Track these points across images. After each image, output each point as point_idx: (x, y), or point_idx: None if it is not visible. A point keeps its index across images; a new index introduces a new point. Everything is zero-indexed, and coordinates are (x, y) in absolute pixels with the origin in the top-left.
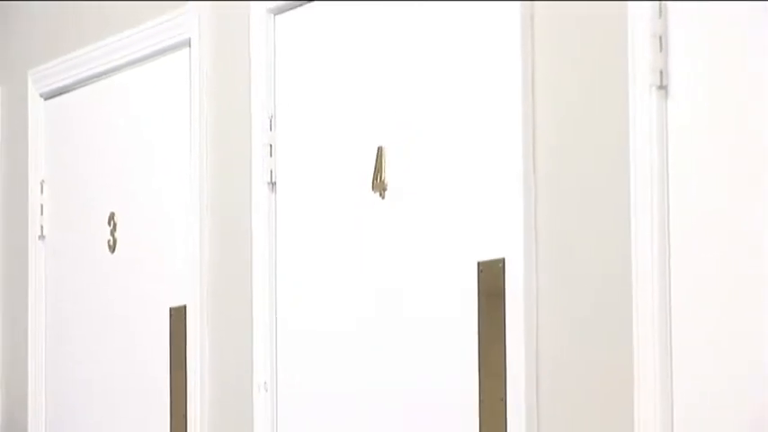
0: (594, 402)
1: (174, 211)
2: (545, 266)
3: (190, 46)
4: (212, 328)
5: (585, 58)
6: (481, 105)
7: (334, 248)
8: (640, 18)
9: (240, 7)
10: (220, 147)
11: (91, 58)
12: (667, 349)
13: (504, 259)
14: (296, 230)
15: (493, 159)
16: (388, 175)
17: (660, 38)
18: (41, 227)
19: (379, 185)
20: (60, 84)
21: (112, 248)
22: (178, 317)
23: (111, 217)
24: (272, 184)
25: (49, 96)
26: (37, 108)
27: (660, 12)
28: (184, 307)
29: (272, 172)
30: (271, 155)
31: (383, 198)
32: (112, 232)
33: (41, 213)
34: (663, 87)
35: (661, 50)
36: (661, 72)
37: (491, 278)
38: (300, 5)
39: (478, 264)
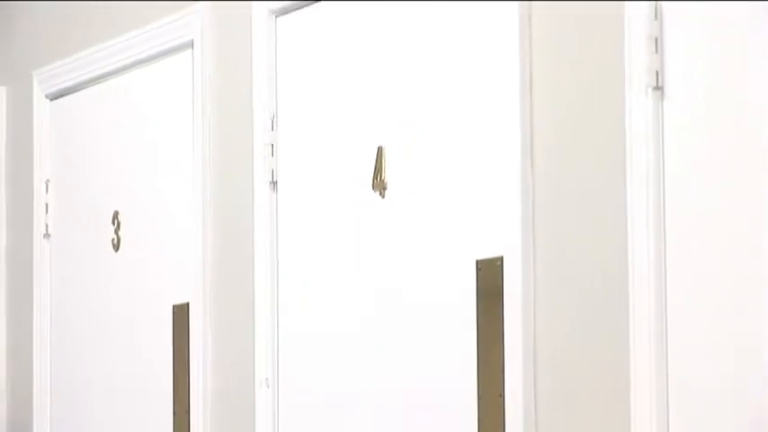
0: (591, 399)
1: (177, 209)
2: (543, 265)
3: (193, 47)
4: (215, 325)
5: (582, 59)
6: (480, 105)
7: (334, 247)
8: (636, 19)
9: (242, 8)
10: (223, 146)
11: (95, 59)
12: (663, 347)
13: (502, 258)
14: (297, 229)
15: (491, 159)
16: (388, 175)
17: (656, 39)
18: (46, 226)
19: (379, 185)
20: (65, 84)
21: (116, 247)
22: (181, 314)
23: (116, 216)
24: (274, 184)
25: (53, 97)
26: (42, 108)
27: (656, 14)
28: (187, 304)
29: (273, 171)
30: (272, 154)
31: (383, 197)
32: (116, 231)
33: (46, 212)
34: (659, 88)
35: (657, 52)
36: (657, 73)
37: (489, 276)
38: (301, 7)
39: (477, 262)
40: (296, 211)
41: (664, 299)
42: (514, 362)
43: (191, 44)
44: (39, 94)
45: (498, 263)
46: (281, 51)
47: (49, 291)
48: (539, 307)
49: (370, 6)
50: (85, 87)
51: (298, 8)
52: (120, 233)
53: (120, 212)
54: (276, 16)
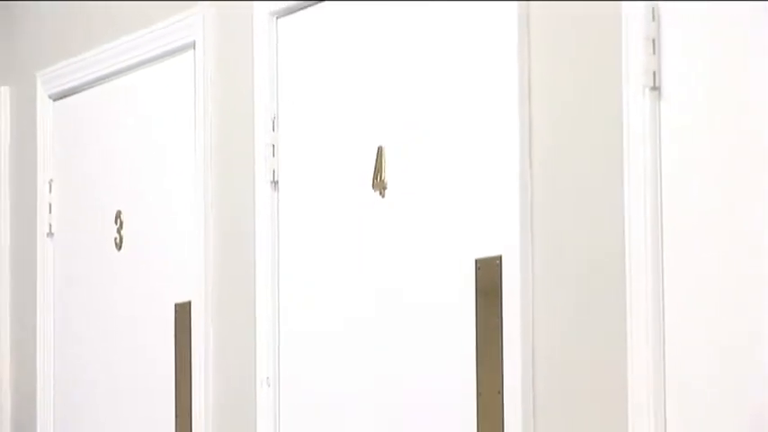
0: (589, 396)
1: (179, 209)
2: (541, 263)
3: (195, 48)
4: (216, 323)
5: (580, 59)
6: (478, 106)
7: (335, 246)
8: (633, 19)
9: (244, 10)
10: (224, 147)
11: (98, 60)
12: (660, 345)
13: (501, 256)
14: (298, 228)
15: (490, 159)
16: (388, 175)
17: (653, 40)
18: (50, 225)
19: (379, 184)
20: (68, 85)
21: (119, 246)
22: (183, 313)
23: (118, 215)
24: (275, 183)
25: (57, 97)
26: (45, 109)
27: (653, 15)
28: (189, 303)
29: (274, 171)
30: (273, 155)
31: (383, 197)
32: (119, 230)
33: (50, 212)
34: (656, 89)
35: (654, 53)
36: (654, 73)
37: (488, 275)
38: (302, 9)
39: (476, 261)
40: (297, 211)
41: (661, 297)
42: (513, 359)
43: (193, 45)
44: (42, 95)
45: (497, 262)
46: (282, 52)
47: (52, 289)
48: (537, 305)
49: (369, 8)
50: (88, 88)
51: (298, 10)
52: (122, 232)
53: (122, 212)
54: (277, 18)
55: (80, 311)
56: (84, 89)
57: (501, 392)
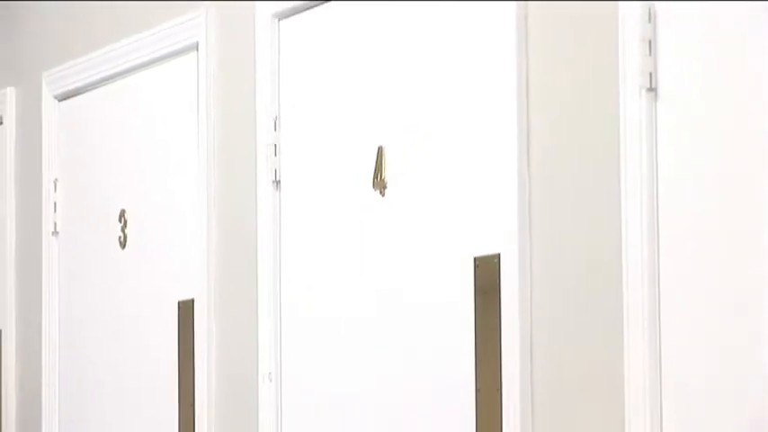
0: (586, 392)
1: (183, 208)
2: (539, 262)
3: (198, 49)
4: (219, 320)
5: (578, 60)
6: (477, 106)
7: (336, 244)
8: (630, 19)
9: (246, 10)
10: (227, 147)
11: (103, 60)
12: (656, 342)
13: (499, 255)
14: (299, 227)
15: (488, 158)
16: (388, 174)
17: (649, 42)
18: (55, 224)
19: (379, 184)
20: (73, 86)
21: (123, 244)
22: (186, 310)
23: (122, 214)
24: (277, 183)
25: (62, 98)
26: (50, 109)
27: (650, 16)
28: (192, 300)
29: (276, 171)
30: (275, 154)
31: (383, 196)
32: (123, 229)
33: (55, 211)
34: (652, 89)
35: (650, 54)
36: (650, 74)
37: (487, 273)
38: (303, 11)
39: (475, 259)
40: (298, 210)
41: (657, 296)
42: (511, 356)
43: (195, 46)
44: (47, 96)
45: (495, 260)
46: (284, 54)
47: (57, 287)
48: (535, 303)
49: (370, 10)
50: (93, 89)
51: (299, 11)
52: (126, 231)
53: (126, 211)
54: (279, 19)
55: (84, 309)
56: (88, 90)
57: (499, 389)
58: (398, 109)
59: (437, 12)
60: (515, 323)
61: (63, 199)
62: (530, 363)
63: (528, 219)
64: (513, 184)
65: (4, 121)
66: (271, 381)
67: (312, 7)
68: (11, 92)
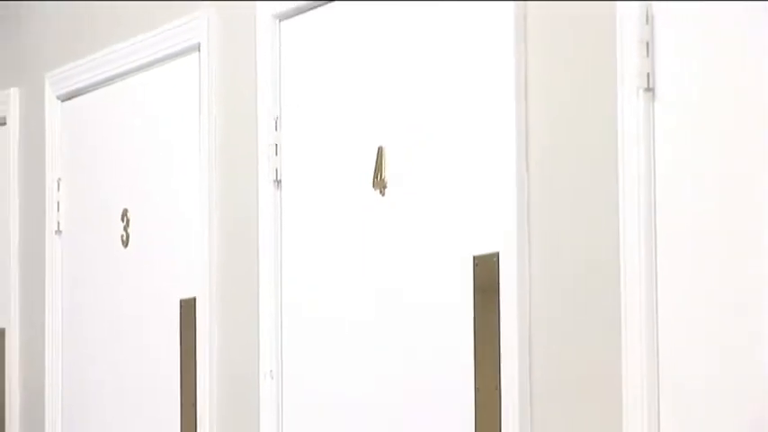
0: (584, 391)
1: (185, 207)
2: (537, 260)
3: (199, 50)
4: (220, 318)
5: (576, 60)
6: (476, 107)
7: (336, 243)
8: (628, 20)
9: (247, 11)
10: (228, 146)
11: (105, 61)
12: (654, 340)
13: (498, 253)
14: (300, 226)
15: (487, 158)
16: (388, 174)
17: (647, 43)
18: (58, 222)
19: (379, 183)
20: (76, 86)
21: (125, 243)
22: (188, 308)
23: (125, 213)
24: (278, 182)
25: (65, 98)
26: (54, 110)
27: (647, 18)
28: (194, 299)
29: (277, 170)
30: (276, 154)
31: (383, 195)
32: (125, 228)
33: (58, 210)
34: (649, 90)
35: (648, 55)
36: (648, 75)
37: (486, 271)
38: (304, 12)
39: (474, 258)
40: (299, 209)
41: (654, 295)
42: (510, 354)
43: (197, 47)
44: (50, 96)
45: (494, 258)
46: (285, 54)
47: (60, 285)
48: (533, 301)
49: (369, 11)
50: (96, 89)
51: (300, 12)
52: (129, 230)
53: (129, 210)
54: (280, 20)
55: (88, 307)
56: (91, 90)
57: (498, 387)
58: (398, 109)
59: (436, 12)
60: (514, 321)
61: (66, 198)
62: (528, 361)
63: (527, 218)
64: (511, 183)
65: (7, 121)
66: (272, 378)
67: (312, 8)
68: (14, 92)
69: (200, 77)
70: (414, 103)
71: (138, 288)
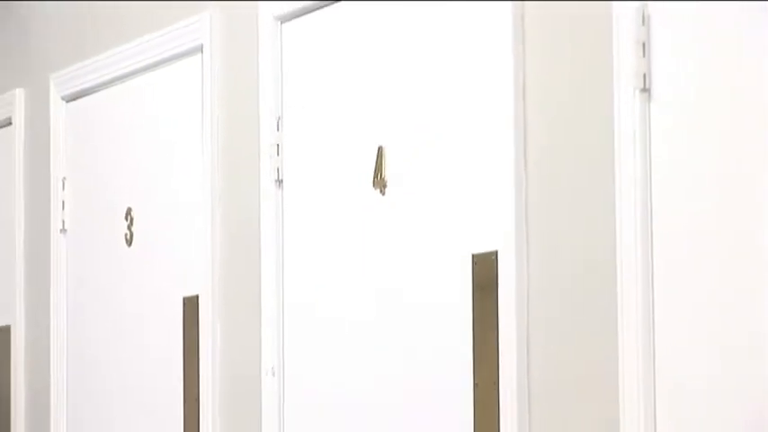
0: (582, 387)
1: (187, 206)
2: (535, 258)
3: (202, 52)
4: (223, 316)
5: (573, 60)
6: (475, 107)
7: (337, 242)
8: (625, 20)
9: (250, 13)
10: (230, 146)
11: (110, 62)
12: (650, 337)
13: (496, 252)
14: (302, 225)
15: (486, 158)
16: (388, 173)
17: (643, 44)
18: (63, 221)
19: (379, 183)
20: (81, 87)
21: (129, 242)
22: (191, 306)
23: (128, 212)
24: (279, 182)
25: (70, 99)
26: (58, 110)
27: (643, 19)
28: (197, 297)
29: (278, 170)
30: (278, 154)
31: (383, 194)
32: (129, 227)
33: (63, 209)
34: (646, 90)
35: (644, 56)
36: (644, 76)
37: (485, 269)
38: (305, 13)
39: (473, 256)
40: (300, 208)
41: (650, 293)
42: (508, 351)
43: (200, 48)
44: (55, 97)
45: (493, 257)
46: (287, 55)
47: (65, 283)
48: (532, 298)
49: (369, 13)
50: (100, 90)
51: (301, 14)
52: (132, 229)
53: (132, 209)
54: (281, 22)
55: (92, 305)
56: (95, 91)
57: (497, 383)
58: (398, 109)
59: (435, 13)
60: (512, 318)
61: (71, 197)
62: (526, 357)
63: (525, 217)
64: (510, 183)
65: (13, 121)
66: (274, 375)
67: (313, 10)
68: (20, 93)
69: (203, 78)
70: (413, 104)
71: (141, 286)
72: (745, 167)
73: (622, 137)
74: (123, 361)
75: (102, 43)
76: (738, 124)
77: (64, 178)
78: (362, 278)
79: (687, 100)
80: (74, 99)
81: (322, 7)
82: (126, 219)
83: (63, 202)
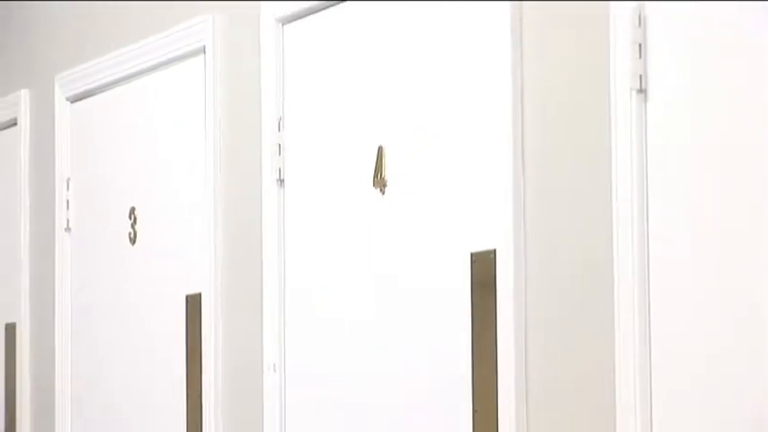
0: (579, 383)
1: (190, 205)
2: (533, 257)
3: (204, 53)
4: (225, 313)
5: (570, 61)
6: (473, 107)
7: (337, 241)
8: (621, 21)
9: (251, 15)
10: (232, 146)
11: (113, 63)
12: (646, 335)
13: (495, 250)
14: (303, 224)
15: (484, 158)
16: (388, 173)
17: (639, 45)
18: (67, 220)
19: (379, 182)
20: (85, 88)
21: (133, 240)
22: (194, 304)
23: (132, 211)
24: (281, 181)
25: (74, 100)
26: (63, 110)
27: (640, 20)
28: (199, 294)
29: (280, 170)
30: (279, 154)
31: (383, 194)
32: (133, 225)
33: (67, 208)
34: (642, 91)
35: (640, 57)
36: (640, 77)
37: (483, 268)
38: (306, 16)
39: (471, 254)
40: (302, 208)
41: (647, 291)
42: (507, 348)
43: (203, 50)
44: (60, 97)
45: (491, 255)
46: (288, 57)
47: (69, 281)
48: (529, 296)
49: (368, 15)
50: (104, 90)
51: (302, 16)
52: (136, 228)
53: (136, 208)
54: (283, 24)
55: (96, 302)
56: (100, 92)
57: (495, 380)
58: (398, 110)
59: (434, 15)
60: (510, 315)
61: (75, 197)
62: (524, 354)
63: (523, 216)
64: (508, 182)
65: (18, 122)
66: (275, 371)
67: (314, 12)
68: (25, 94)
69: (206, 79)
70: (413, 104)
71: (145, 284)
72: (742, 168)
73: (619, 137)
74: (127, 357)
75: (106, 45)
76: (735, 125)
77: (68, 178)
78: (363, 276)
79: (683, 101)
80: (78, 100)
81: (323, 9)
82: (129, 218)
83: (67, 202)
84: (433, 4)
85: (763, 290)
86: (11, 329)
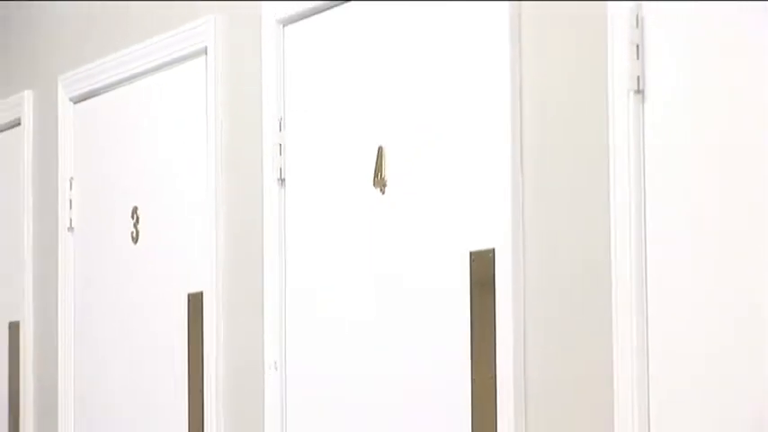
0: (577, 382)
1: (192, 205)
2: (532, 256)
3: (206, 54)
4: (227, 312)
5: (569, 61)
6: (472, 107)
7: (338, 240)
8: (619, 22)
9: (253, 16)
10: (234, 146)
11: (116, 64)
12: (644, 334)
13: (494, 249)
14: (303, 223)
15: (483, 157)
16: (388, 173)
17: (637, 45)
18: (70, 220)
19: (379, 182)
20: (88, 88)
21: (135, 240)
22: (195, 302)
23: (135, 211)
24: (282, 181)
25: (77, 100)
26: (66, 111)
27: (637, 21)
28: (201, 293)
29: (281, 169)
30: (280, 154)
31: (383, 194)
32: (135, 225)
33: (70, 207)
34: (639, 92)
35: (638, 57)
36: (638, 78)
37: (482, 267)
38: (307, 17)
39: (470, 253)
40: (302, 207)
41: (645, 291)
42: (505, 346)
43: (204, 51)
44: (63, 98)
45: (490, 254)
46: (289, 57)
47: (72, 280)
48: (528, 295)
49: (369, 15)
50: (107, 91)
51: (303, 17)
52: (138, 227)
53: (138, 208)
54: (284, 25)
55: (99, 301)
56: (102, 92)
57: (494, 378)
58: (398, 110)
59: (434, 15)
60: (509, 314)
61: (78, 196)
62: (523, 352)
63: (521, 215)
64: (507, 182)
65: (22, 122)
66: (276, 369)
67: (315, 13)
68: (28, 94)
69: (207, 80)
70: (413, 105)
71: (147, 283)
72: (740, 168)
73: (617, 137)
74: (129, 355)
75: (109, 46)
76: (733, 125)
77: (71, 178)
78: (362, 276)
79: (681, 102)
80: (81, 100)
81: (323, 10)
82: (132, 217)
83: (70, 201)
84: (432, 5)
85: (762, 290)
86: (14, 328)
